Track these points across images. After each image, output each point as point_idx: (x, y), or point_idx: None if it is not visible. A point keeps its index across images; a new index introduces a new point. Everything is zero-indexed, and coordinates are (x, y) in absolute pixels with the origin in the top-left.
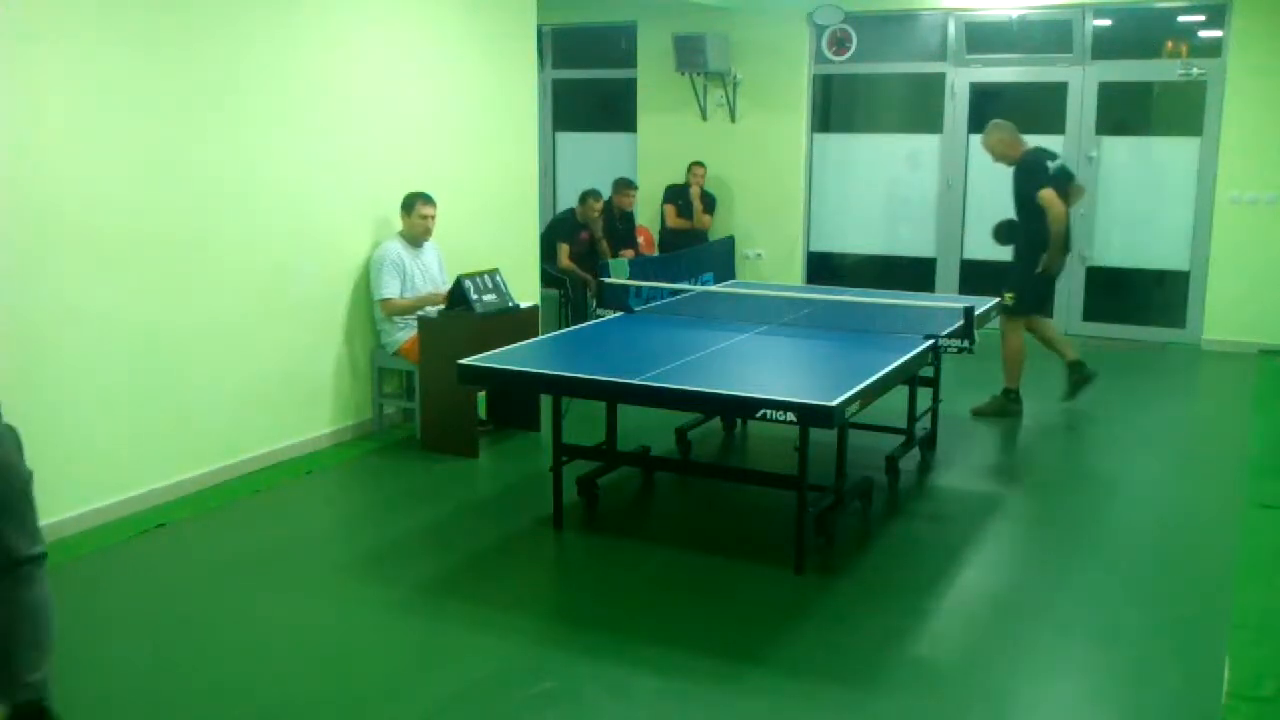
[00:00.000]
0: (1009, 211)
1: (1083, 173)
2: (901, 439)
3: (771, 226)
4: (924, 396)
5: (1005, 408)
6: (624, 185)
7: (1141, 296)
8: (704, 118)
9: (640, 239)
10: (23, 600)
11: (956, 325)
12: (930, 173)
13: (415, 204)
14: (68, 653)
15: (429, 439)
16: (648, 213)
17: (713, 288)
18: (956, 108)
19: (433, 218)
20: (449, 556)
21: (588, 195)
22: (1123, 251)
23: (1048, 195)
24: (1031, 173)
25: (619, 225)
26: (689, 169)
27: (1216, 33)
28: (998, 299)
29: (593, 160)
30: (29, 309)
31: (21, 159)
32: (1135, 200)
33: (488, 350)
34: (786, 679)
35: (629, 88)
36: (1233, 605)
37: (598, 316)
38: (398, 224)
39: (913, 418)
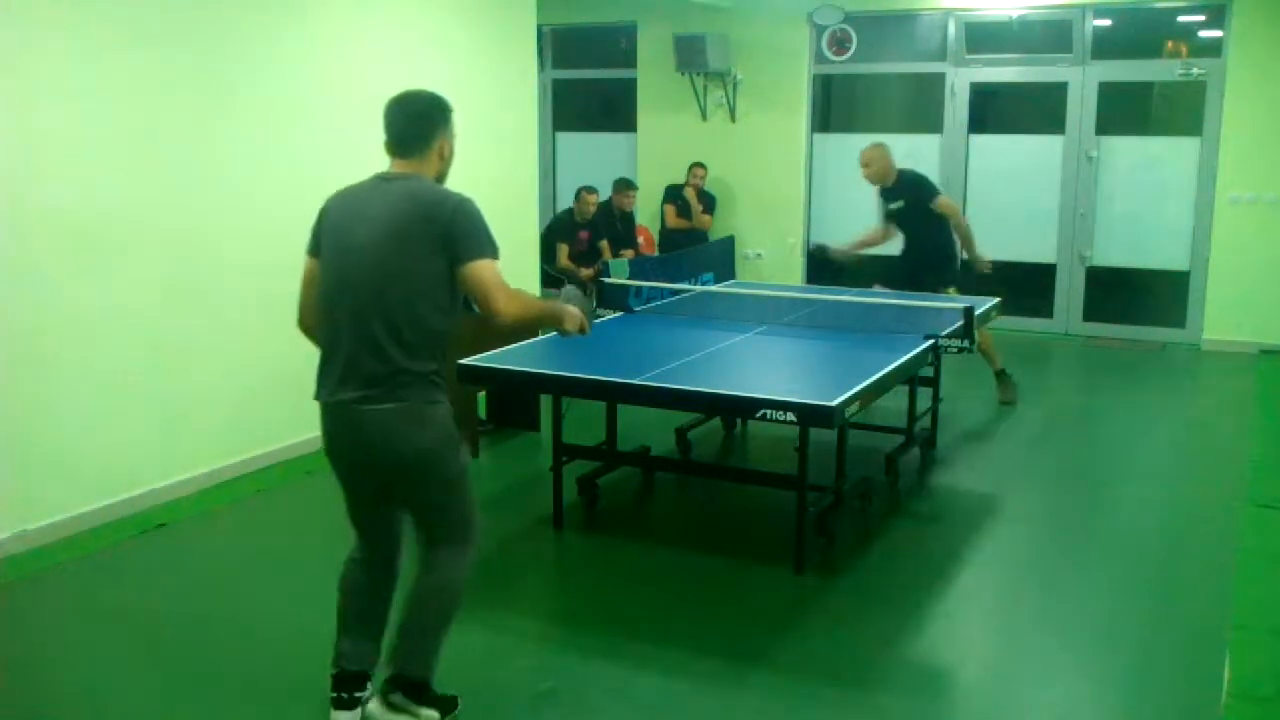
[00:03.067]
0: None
1: (1083, 173)
2: (901, 439)
3: (771, 226)
4: (924, 396)
5: (1013, 387)
6: (624, 185)
7: (1141, 296)
8: (704, 118)
9: (640, 239)
10: None
11: (956, 325)
12: (931, 173)
13: None
14: (68, 653)
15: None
16: (648, 213)
17: (713, 288)
18: (956, 108)
19: None
20: None
21: (582, 190)
22: (1123, 251)
23: (946, 200)
24: (923, 185)
25: (619, 225)
26: (689, 170)
27: (1216, 33)
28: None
29: (593, 160)
30: (29, 309)
31: (22, 159)
32: (1135, 200)
33: (488, 350)
34: (786, 679)
35: (629, 88)
36: (1233, 605)
37: (598, 316)
38: None
39: (913, 418)
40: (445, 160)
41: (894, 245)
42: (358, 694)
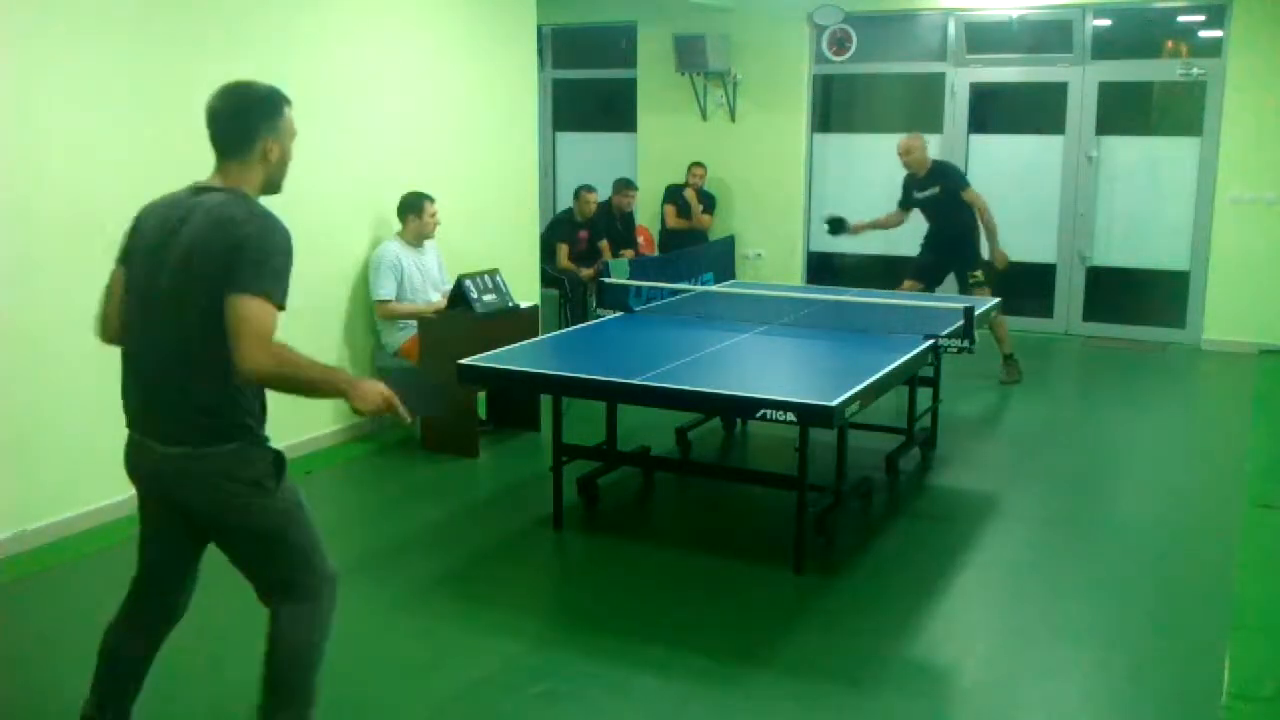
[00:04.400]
0: (1008, 210)
1: (1083, 173)
2: (901, 439)
3: (771, 226)
4: (924, 396)
5: (1017, 369)
6: (624, 185)
7: (1141, 296)
8: (704, 118)
9: (640, 239)
10: None
11: (956, 325)
12: None
13: (423, 204)
14: (68, 653)
15: (429, 439)
16: (648, 213)
17: (713, 288)
18: (956, 108)
19: (437, 214)
20: (449, 556)
21: (582, 189)
22: (1123, 251)
23: (975, 192)
24: (957, 174)
25: (619, 225)
26: (689, 169)
27: (1216, 33)
28: (972, 283)
29: (593, 160)
30: (29, 309)
31: (21, 159)
32: (1135, 200)
33: (488, 350)
34: (786, 679)
35: (629, 88)
36: (1233, 605)
37: (598, 316)
38: (397, 223)
39: (912, 418)
40: (273, 164)
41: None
42: None
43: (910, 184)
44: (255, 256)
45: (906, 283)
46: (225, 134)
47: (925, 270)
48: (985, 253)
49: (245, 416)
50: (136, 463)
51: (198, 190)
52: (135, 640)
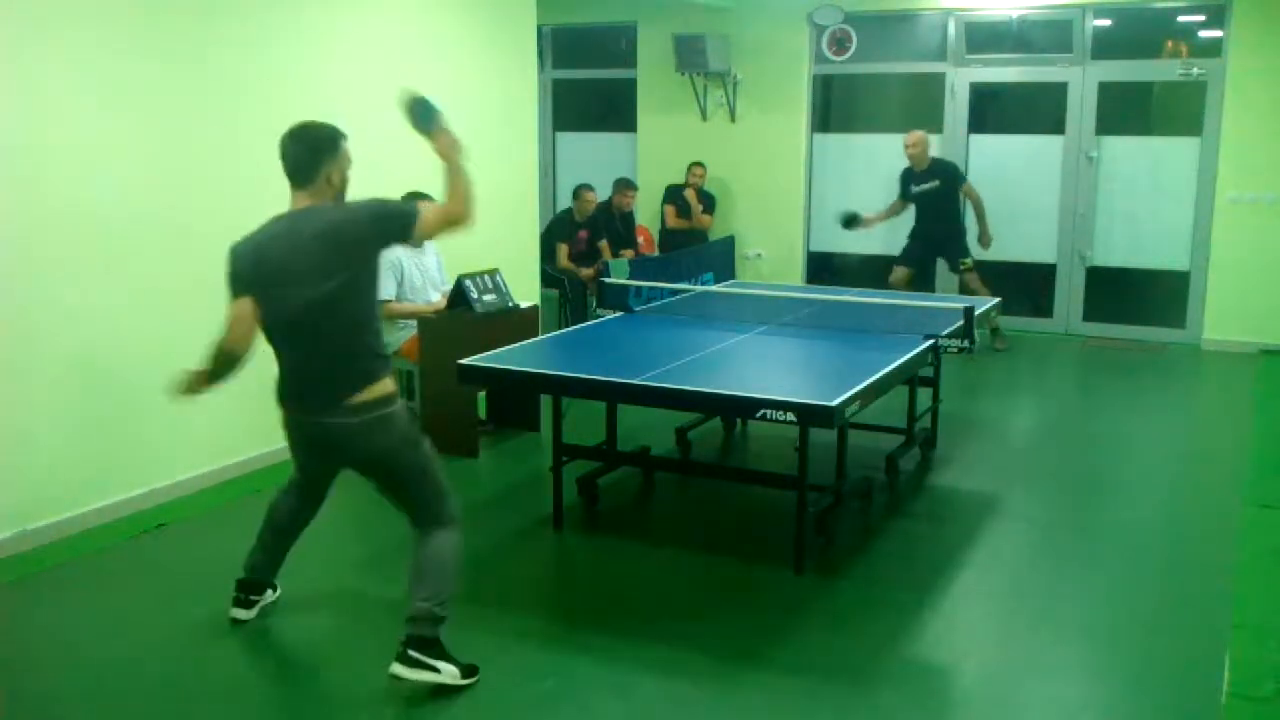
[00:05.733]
0: (1008, 210)
1: (1083, 173)
2: (901, 439)
3: (771, 226)
4: (924, 396)
5: (1005, 338)
6: (624, 185)
7: (1142, 297)
8: (704, 118)
9: (640, 239)
10: None
11: (956, 325)
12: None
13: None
14: (68, 653)
15: (429, 439)
16: (648, 213)
17: (713, 288)
18: (956, 108)
19: None
20: None
21: (581, 189)
22: (1123, 251)
23: (970, 186)
24: (957, 171)
25: (619, 225)
26: (688, 169)
27: (1216, 33)
28: (963, 269)
29: (593, 160)
30: (28, 308)
31: (21, 160)
32: (1135, 200)
33: (488, 350)
34: (786, 679)
35: (629, 88)
36: (1233, 605)
37: (598, 316)
38: None
39: (912, 418)
40: (335, 187)
41: (893, 244)
42: (254, 598)
43: (909, 177)
44: (373, 209)
45: (897, 269)
46: (296, 168)
47: (916, 258)
48: (975, 239)
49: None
50: (301, 437)
51: (293, 216)
52: (296, 504)
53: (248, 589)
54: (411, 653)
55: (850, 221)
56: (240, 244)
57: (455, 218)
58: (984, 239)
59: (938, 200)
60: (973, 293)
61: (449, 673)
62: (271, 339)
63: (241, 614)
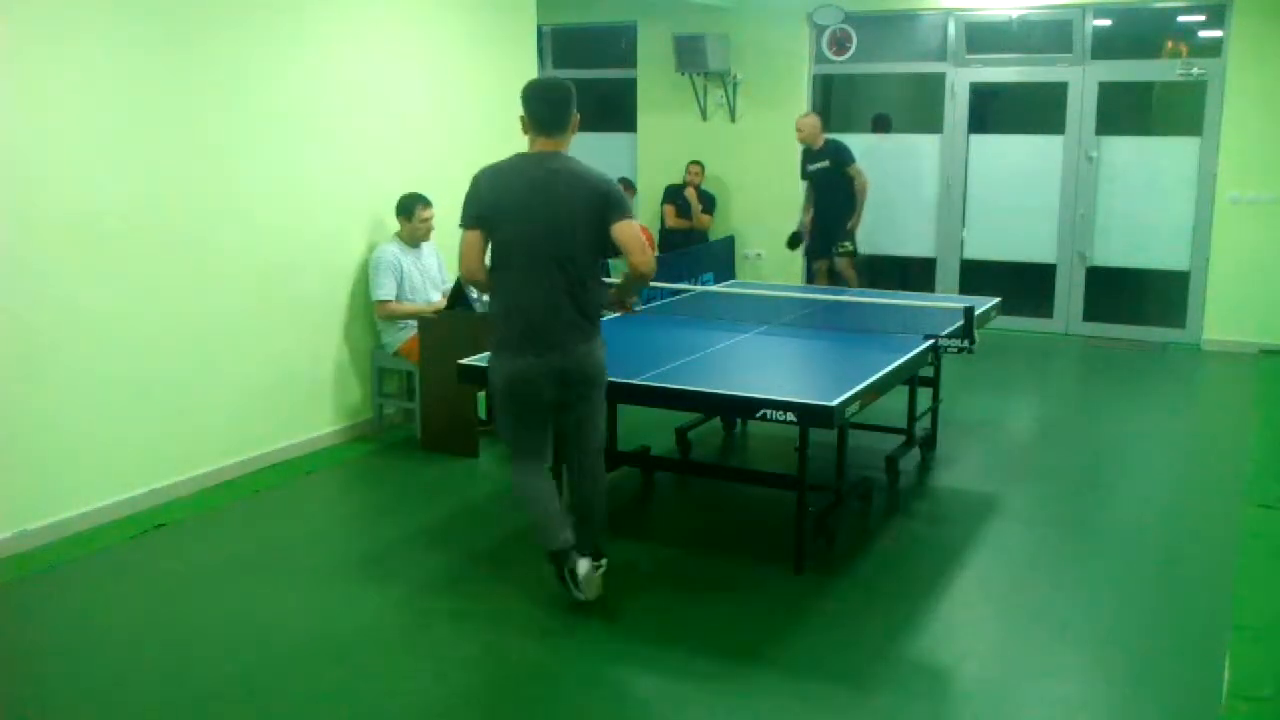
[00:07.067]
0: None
1: (1083, 173)
2: (901, 439)
3: (771, 226)
4: (924, 396)
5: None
6: (623, 185)
7: (1141, 296)
8: (704, 118)
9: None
10: None
11: (956, 325)
12: (930, 173)
13: (414, 208)
14: (68, 653)
15: (429, 439)
16: (648, 213)
17: (713, 288)
18: (956, 108)
19: (432, 219)
20: (449, 556)
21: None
22: (1123, 251)
23: (858, 168)
24: (845, 151)
25: None
26: (686, 168)
27: (1216, 33)
28: (839, 252)
29: (592, 160)
30: (28, 309)
31: (21, 160)
32: (1135, 200)
33: (488, 350)
34: (786, 679)
35: (629, 88)
36: (1233, 605)
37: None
38: (396, 224)
39: (913, 418)
40: (575, 130)
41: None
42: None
43: (805, 157)
44: (619, 199)
45: (818, 264)
46: (553, 116)
47: (817, 244)
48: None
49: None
50: (530, 371)
51: (546, 158)
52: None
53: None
54: (597, 561)
55: (794, 241)
56: None
57: (643, 269)
58: (850, 222)
59: (827, 179)
60: (842, 280)
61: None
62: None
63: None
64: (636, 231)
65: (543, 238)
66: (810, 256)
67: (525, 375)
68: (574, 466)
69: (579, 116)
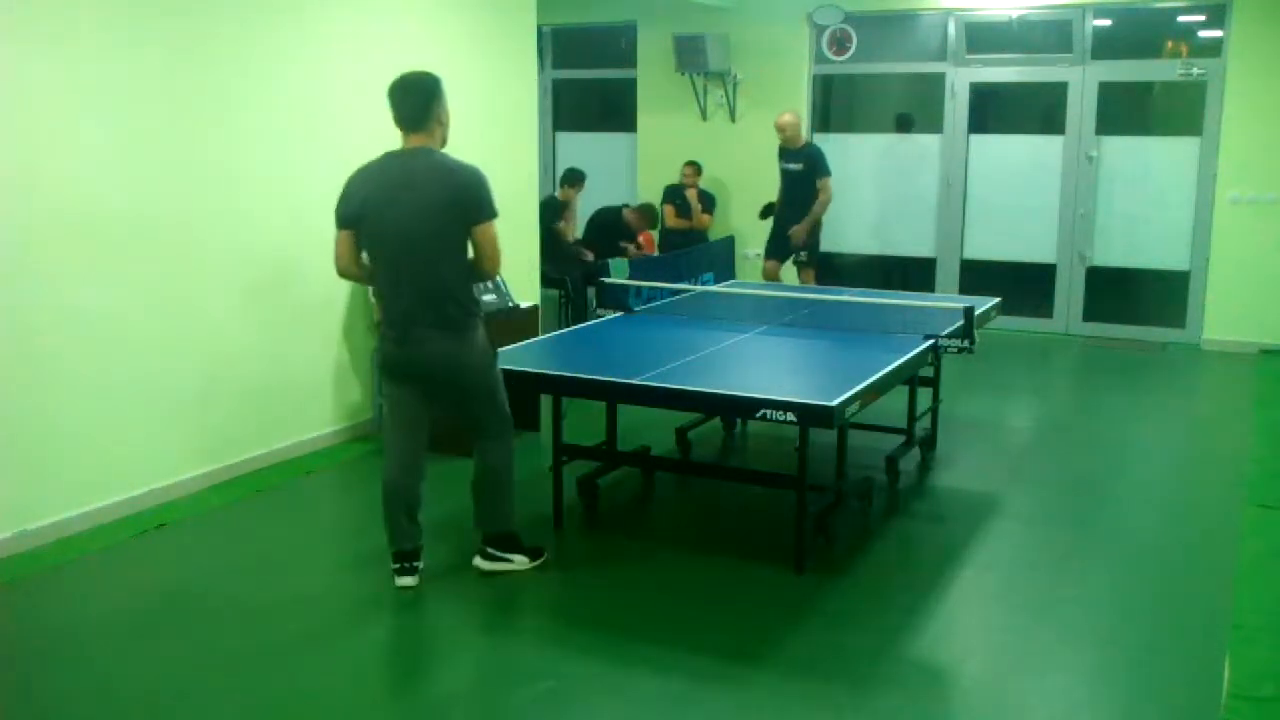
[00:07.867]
0: (1008, 210)
1: (1083, 173)
2: (901, 439)
3: (771, 226)
4: (924, 396)
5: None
6: (639, 213)
7: (1141, 296)
8: (704, 118)
9: (640, 239)
10: None
11: (956, 325)
12: (930, 173)
13: None
14: (68, 653)
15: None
16: None
17: (713, 288)
18: (956, 107)
19: None
20: (448, 556)
21: (564, 182)
22: (1123, 251)
23: (827, 183)
24: (821, 160)
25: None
26: (681, 169)
27: (1216, 33)
28: (798, 261)
29: (593, 160)
30: (28, 309)
31: (22, 161)
32: (1135, 200)
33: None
34: (787, 679)
35: (629, 88)
36: (1233, 605)
37: (598, 316)
38: None
39: (913, 418)
40: (444, 125)
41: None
42: (415, 564)
43: (781, 154)
44: (480, 196)
45: (767, 263)
46: (412, 111)
47: (784, 249)
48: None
49: (476, 306)
50: (402, 359)
51: (406, 154)
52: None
53: None
54: (490, 551)
55: (766, 211)
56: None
57: (488, 274)
58: (799, 226)
59: (797, 183)
60: (793, 279)
61: (519, 562)
62: None
63: None
64: (492, 236)
65: (405, 235)
66: (765, 253)
67: (397, 363)
68: (475, 449)
69: (449, 110)
